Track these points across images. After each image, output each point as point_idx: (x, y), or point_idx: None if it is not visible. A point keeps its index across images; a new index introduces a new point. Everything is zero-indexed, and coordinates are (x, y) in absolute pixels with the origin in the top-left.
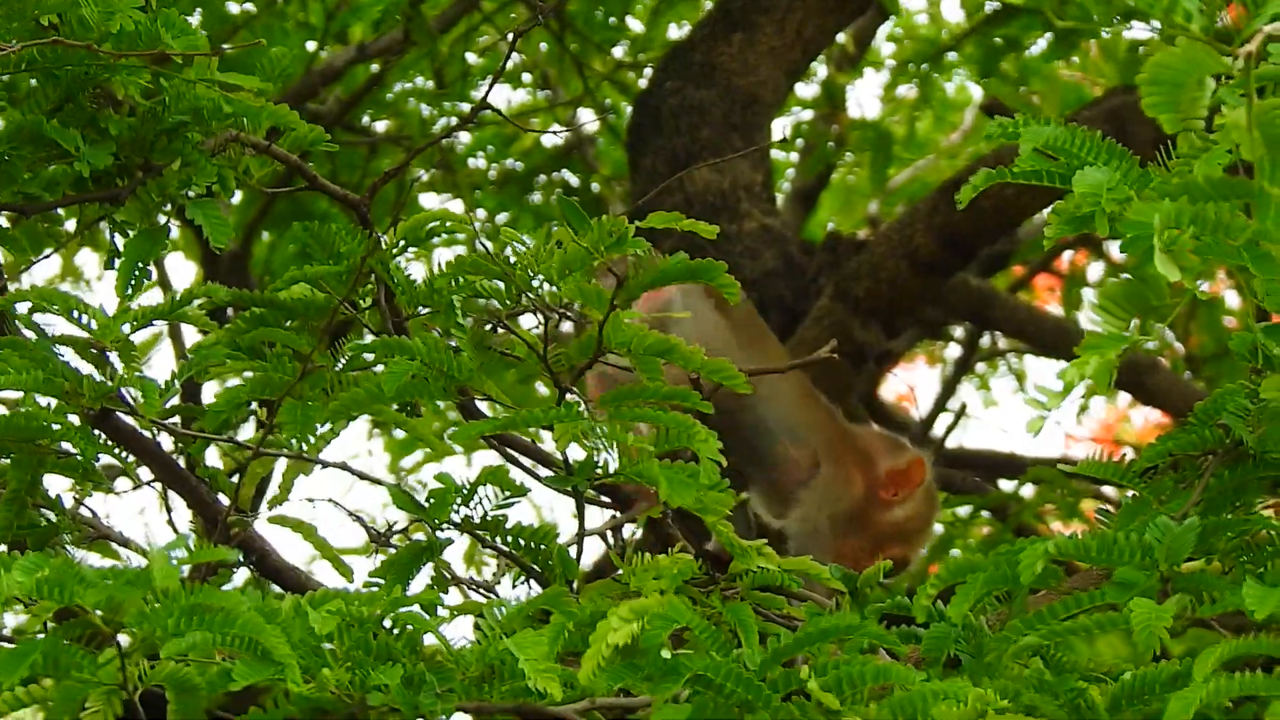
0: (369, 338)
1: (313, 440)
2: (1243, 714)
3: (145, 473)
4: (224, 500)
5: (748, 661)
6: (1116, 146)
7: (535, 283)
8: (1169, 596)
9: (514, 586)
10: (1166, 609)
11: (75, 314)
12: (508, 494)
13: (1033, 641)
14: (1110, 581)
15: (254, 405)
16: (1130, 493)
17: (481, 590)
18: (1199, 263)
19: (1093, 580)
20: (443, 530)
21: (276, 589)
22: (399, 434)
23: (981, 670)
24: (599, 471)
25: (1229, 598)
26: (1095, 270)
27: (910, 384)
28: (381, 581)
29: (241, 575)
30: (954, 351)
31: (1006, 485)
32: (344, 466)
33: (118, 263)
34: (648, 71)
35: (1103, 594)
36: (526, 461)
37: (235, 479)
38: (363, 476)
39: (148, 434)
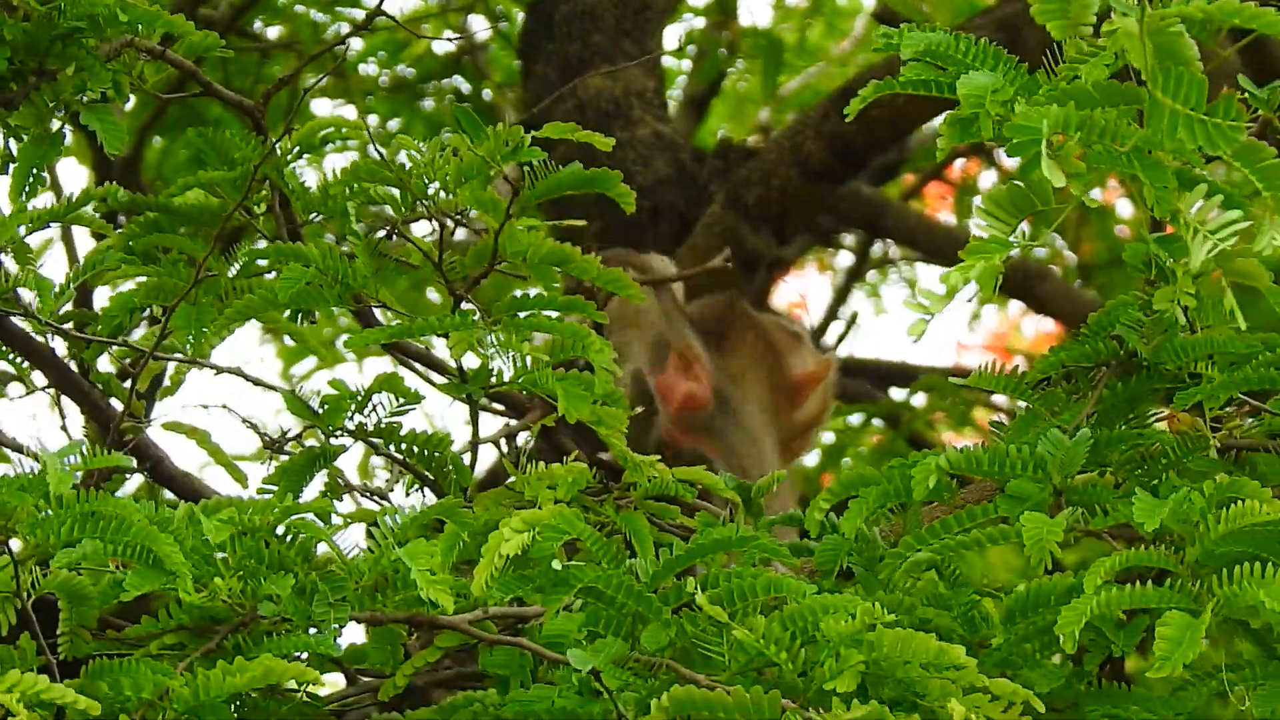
0: (263, 244)
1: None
2: (1135, 625)
3: (39, 378)
4: (117, 405)
5: (640, 573)
6: (1003, 53)
7: (430, 190)
8: (1061, 509)
9: (407, 494)
10: (1057, 523)
11: None
12: (402, 401)
13: (925, 557)
14: (1003, 494)
15: (148, 310)
16: (1023, 404)
17: (375, 498)
18: (1085, 169)
19: (986, 492)
20: (336, 437)
21: (170, 495)
22: (291, 341)
23: (875, 584)
24: (493, 380)
25: (1121, 510)
26: (987, 179)
27: (802, 292)
28: (275, 489)
29: (135, 482)
30: (845, 260)
31: (898, 394)
32: (238, 372)
33: (12, 168)
34: None
35: (995, 507)
36: (421, 369)
37: (128, 384)
38: (257, 383)
39: (41, 339)
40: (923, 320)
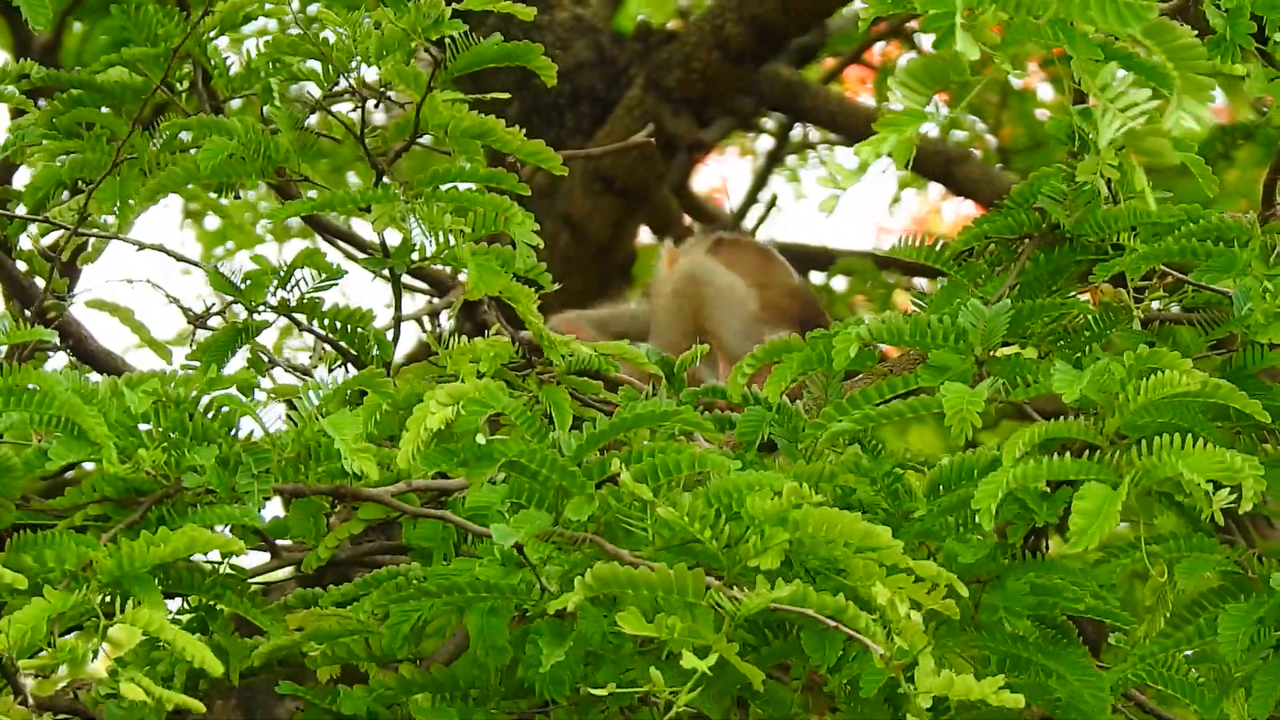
0: None
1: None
2: (1059, 496)
3: None
4: (40, 284)
5: (564, 447)
6: None
7: (352, 65)
8: (983, 380)
9: (329, 371)
10: (978, 393)
11: None
12: (324, 276)
13: (847, 428)
14: (925, 365)
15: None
16: (944, 281)
17: (297, 373)
18: (1000, 41)
19: (909, 364)
20: (259, 313)
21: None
22: (211, 225)
23: (797, 455)
24: (415, 255)
25: (1043, 382)
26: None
27: (722, 175)
28: (197, 365)
29: (58, 360)
30: (765, 143)
31: (818, 277)
32: (160, 248)
33: None
34: None
35: (916, 378)
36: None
37: (51, 262)
38: (180, 258)
39: None
40: (834, 196)
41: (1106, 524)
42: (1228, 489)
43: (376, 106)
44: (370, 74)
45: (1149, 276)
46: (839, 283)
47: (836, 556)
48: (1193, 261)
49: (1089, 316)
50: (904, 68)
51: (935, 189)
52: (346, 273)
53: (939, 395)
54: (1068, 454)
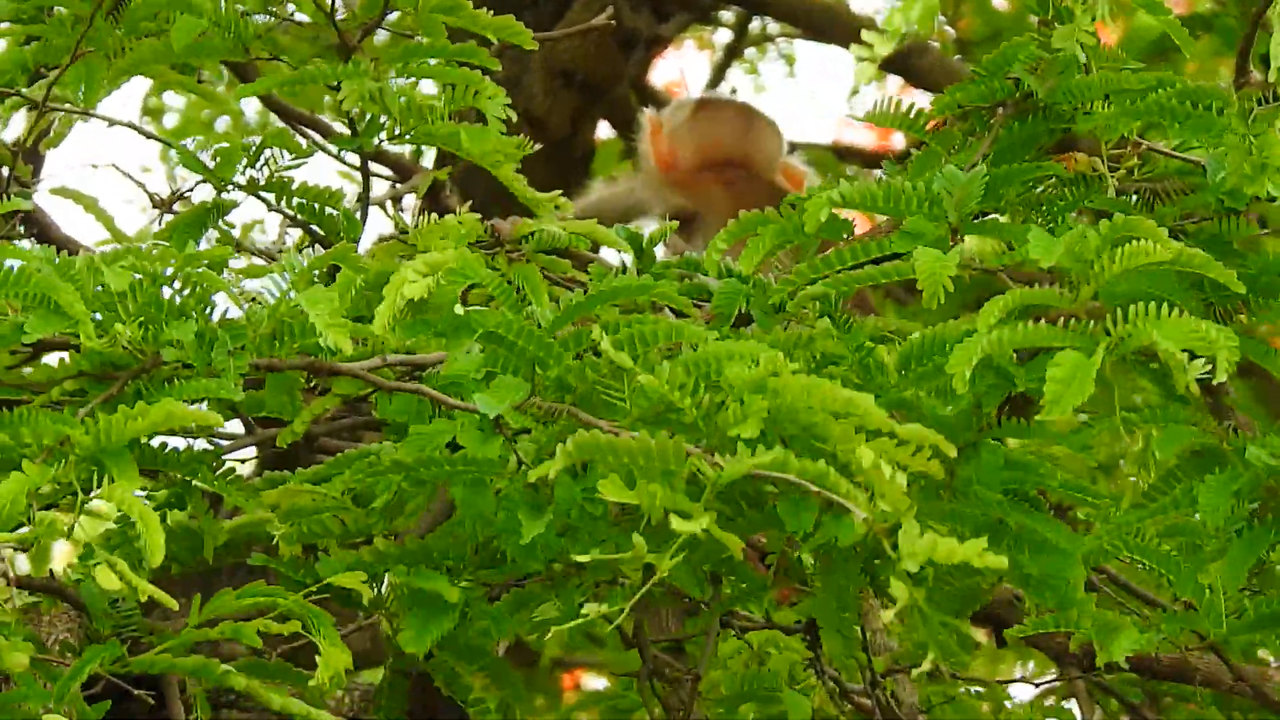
0: None
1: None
2: (1038, 362)
3: None
4: (5, 172)
5: (540, 319)
6: None
7: None
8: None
9: (299, 251)
10: (951, 257)
11: None
12: (293, 156)
13: (819, 291)
14: (899, 231)
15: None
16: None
17: (265, 255)
18: None
19: (883, 234)
20: (228, 191)
21: None
22: (170, 123)
23: (771, 324)
24: (386, 133)
25: (1018, 250)
26: None
27: (681, 69)
28: (166, 244)
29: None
30: (724, 37)
31: None
32: (131, 125)
33: None
34: None
35: (890, 243)
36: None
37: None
38: (150, 136)
39: None
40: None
41: (1080, 392)
42: (1202, 359)
43: None
44: None
45: (1122, 146)
46: None
47: (816, 423)
48: (1169, 122)
49: (1064, 185)
50: None
51: (894, 81)
52: (315, 151)
53: (911, 260)
54: (1043, 321)
